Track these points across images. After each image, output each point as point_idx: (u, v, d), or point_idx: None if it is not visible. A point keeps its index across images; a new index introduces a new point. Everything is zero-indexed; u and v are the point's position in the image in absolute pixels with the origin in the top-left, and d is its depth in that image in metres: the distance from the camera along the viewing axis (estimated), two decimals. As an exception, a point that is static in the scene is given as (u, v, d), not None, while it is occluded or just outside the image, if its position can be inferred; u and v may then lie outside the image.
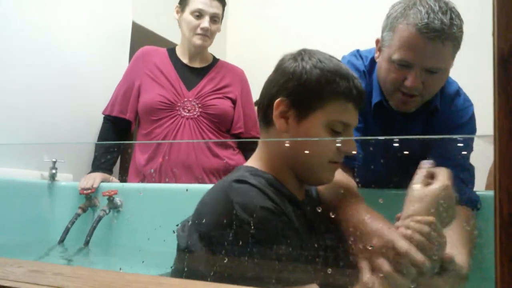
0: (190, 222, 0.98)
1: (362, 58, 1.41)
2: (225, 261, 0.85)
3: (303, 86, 0.98)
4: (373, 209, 1.03)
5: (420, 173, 0.96)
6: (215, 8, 2.11)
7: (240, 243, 0.85)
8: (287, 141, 1.02)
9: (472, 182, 1.30)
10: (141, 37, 2.83)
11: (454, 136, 1.32)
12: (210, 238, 0.89)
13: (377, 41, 1.30)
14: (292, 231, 0.92)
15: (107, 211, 1.79)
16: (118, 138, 2.22)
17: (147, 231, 1.45)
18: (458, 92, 1.37)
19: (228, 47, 3.91)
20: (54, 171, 1.99)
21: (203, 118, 2.10)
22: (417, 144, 1.40)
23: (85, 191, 1.86)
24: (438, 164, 1.33)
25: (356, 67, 1.37)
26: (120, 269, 0.91)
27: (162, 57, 2.20)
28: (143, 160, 2.06)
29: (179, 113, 2.08)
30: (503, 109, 0.41)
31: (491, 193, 0.44)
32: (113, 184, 1.97)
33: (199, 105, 2.11)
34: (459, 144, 1.29)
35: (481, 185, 1.35)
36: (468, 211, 1.22)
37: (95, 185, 1.88)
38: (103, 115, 2.22)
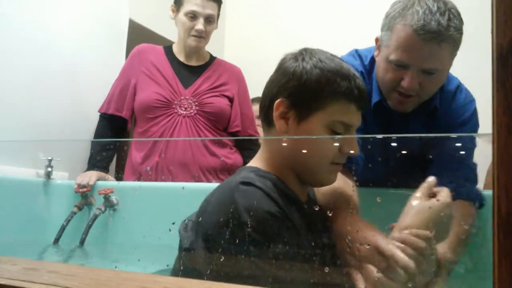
0: (189, 221, 0.98)
1: (361, 58, 1.40)
2: (226, 261, 0.85)
3: (303, 87, 0.97)
4: (369, 212, 1.03)
5: (423, 187, 0.95)
6: (210, 9, 2.10)
7: (243, 245, 0.85)
8: (288, 143, 1.01)
9: (474, 179, 1.29)
10: (138, 34, 2.82)
11: (452, 135, 1.32)
12: (214, 239, 0.88)
13: (377, 40, 1.30)
14: (294, 235, 0.92)
15: (103, 209, 1.78)
16: (114, 136, 2.21)
17: (143, 230, 1.44)
18: (459, 88, 1.37)
19: (226, 46, 3.91)
20: (49, 169, 1.98)
21: (200, 116, 2.09)
22: (418, 143, 1.40)
23: (81, 189, 1.85)
24: (441, 162, 1.33)
25: (354, 68, 1.36)
26: (116, 267, 0.91)
27: (159, 55, 2.19)
28: (139, 158, 2.05)
29: (175, 111, 2.08)
30: (501, 106, 0.41)
31: (489, 192, 0.43)
32: (109, 182, 1.96)
33: (196, 103, 2.10)
34: (460, 142, 1.29)
35: (479, 184, 1.35)
36: (466, 206, 1.22)
37: (91, 183, 1.88)
38: (99, 113, 2.21)
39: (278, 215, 0.89)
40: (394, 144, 1.28)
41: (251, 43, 3.78)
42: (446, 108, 1.35)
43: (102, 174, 2.00)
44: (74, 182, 1.90)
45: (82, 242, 1.72)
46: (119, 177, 2.17)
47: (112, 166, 2.23)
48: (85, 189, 1.85)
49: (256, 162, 1.05)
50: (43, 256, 1.65)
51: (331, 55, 1.02)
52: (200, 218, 0.93)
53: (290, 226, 0.91)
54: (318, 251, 0.95)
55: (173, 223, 0.99)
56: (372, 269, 0.87)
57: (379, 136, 1.32)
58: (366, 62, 1.38)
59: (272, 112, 0.99)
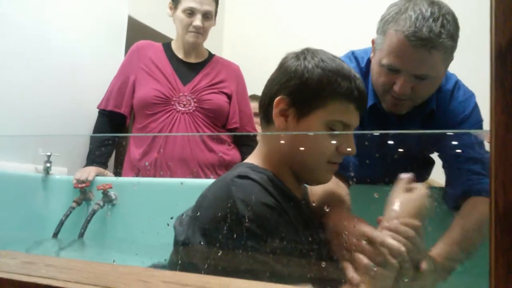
0: (186, 216, 0.98)
1: (357, 60, 1.40)
2: (224, 256, 0.85)
3: (304, 85, 0.98)
4: (363, 210, 1.03)
5: (401, 181, 0.97)
6: (207, 6, 2.11)
7: (240, 238, 0.85)
8: (286, 140, 1.02)
9: (487, 172, 1.27)
10: (137, 31, 2.82)
11: (449, 132, 1.32)
12: (211, 233, 0.89)
13: (373, 42, 1.30)
14: (291, 228, 0.93)
15: (102, 204, 1.78)
16: (113, 132, 2.22)
17: (141, 225, 1.45)
18: (457, 85, 1.36)
19: (224, 43, 3.91)
20: (48, 164, 1.98)
21: (199, 113, 2.10)
22: (419, 143, 1.40)
23: (79, 185, 1.85)
24: (448, 160, 1.33)
25: None
26: (114, 261, 0.91)
27: (158, 52, 2.19)
28: (138, 155, 2.06)
29: (174, 107, 2.08)
30: (500, 104, 0.41)
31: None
32: (108, 178, 1.97)
33: (195, 99, 2.10)
34: (466, 137, 1.29)
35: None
36: (477, 202, 1.22)
37: (89, 178, 1.88)
38: (98, 110, 2.21)
39: (275, 207, 0.89)
40: (391, 142, 1.29)
41: (250, 40, 3.78)
42: (444, 108, 1.34)
43: (101, 169, 2.01)
44: (73, 177, 1.91)
45: (80, 236, 1.72)
46: (117, 173, 2.17)
47: (111, 162, 2.23)
48: (83, 185, 1.86)
49: (253, 158, 1.06)
50: (41, 250, 1.65)
51: (333, 55, 1.03)
52: (197, 213, 0.94)
53: (287, 219, 0.92)
54: (314, 247, 0.95)
55: (171, 218, 1.00)
56: (362, 258, 0.89)
57: (377, 132, 1.32)
58: (363, 64, 1.38)
59: (271, 109, 1.00)
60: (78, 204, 1.84)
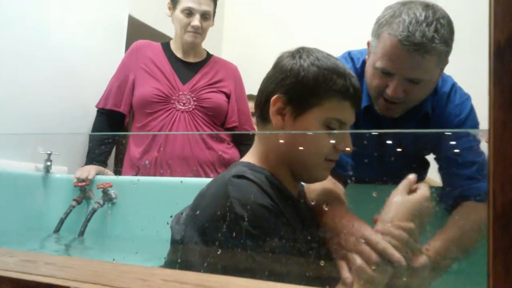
0: (184, 215, 0.99)
1: (353, 61, 1.40)
2: (220, 255, 0.85)
3: (300, 83, 0.98)
4: (352, 211, 1.03)
5: (403, 183, 0.97)
6: (206, 6, 2.12)
7: (236, 238, 0.85)
8: (283, 138, 1.02)
9: (483, 174, 1.27)
10: (137, 31, 2.82)
11: (446, 131, 1.32)
12: (207, 232, 0.89)
13: (368, 44, 1.30)
14: (287, 229, 0.92)
15: (102, 203, 1.79)
16: (112, 132, 2.23)
17: (141, 223, 1.44)
18: (454, 88, 1.36)
19: (224, 44, 3.91)
20: (49, 163, 1.99)
21: (198, 112, 2.11)
22: (414, 145, 1.40)
23: (80, 183, 1.85)
24: (443, 164, 1.33)
25: None
26: (114, 259, 0.91)
27: (157, 51, 2.21)
28: (138, 153, 2.07)
29: (174, 106, 2.09)
30: (498, 101, 0.41)
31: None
32: (108, 176, 1.97)
33: (194, 98, 2.12)
34: (460, 141, 1.29)
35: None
36: (470, 206, 1.22)
37: (90, 177, 1.88)
38: (97, 109, 2.22)
39: (271, 208, 0.89)
40: (386, 143, 1.29)
41: (249, 41, 3.78)
42: (440, 111, 1.34)
43: (101, 168, 2.01)
44: (74, 176, 1.91)
45: (80, 235, 1.72)
46: (117, 171, 2.17)
47: (111, 160, 2.23)
48: (84, 183, 1.86)
49: (249, 157, 1.06)
50: (41, 248, 1.65)
51: (327, 54, 1.03)
52: (194, 212, 0.94)
53: (284, 219, 0.92)
54: (311, 246, 0.95)
55: (171, 216, 1.00)
56: (356, 258, 0.89)
57: (371, 131, 1.32)
58: (358, 65, 1.38)
59: (268, 108, 1.00)
60: (78, 202, 1.84)
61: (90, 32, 2.41)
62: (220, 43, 3.88)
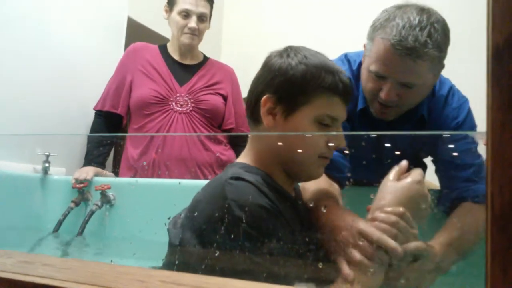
0: (180, 218, 0.98)
1: (349, 63, 1.40)
2: (219, 257, 0.85)
3: (289, 82, 0.98)
4: (355, 210, 1.04)
5: (395, 169, 0.98)
6: (202, 8, 2.13)
7: (235, 240, 0.85)
8: (276, 138, 1.02)
9: (480, 176, 1.27)
10: (136, 32, 2.82)
11: (445, 133, 1.32)
12: (206, 234, 0.89)
13: (364, 46, 1.30)
14: (286, 229, 0.92)
15: (100, 205, 1.78)
16: (110, 133, 2.23)
17: (139, 225, 1.44)
18: (451, 90, 1.36)
19: (223, 45, 3.91)
20: (47, 164, 1.98)
21: (196, 113, 2.13)
22: (410, 147, 1.40)
23: (78, 185, 1.85)
24: (441, 166, 1.33)
25: None
26: (111, 261, 0.91)
27: (154, 54, 2.22)
28: (135, 155, 2.07)
29: (171, 107, 2.10)
30: (496, 102, 0.41)
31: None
32: (107, 178, 1.97)
33: (192, 100, 2.13)
34: (458, 143, 1.29)
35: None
36: (468, 208, 1.22)
37: (88, 178, 1.88)
38: (95, 111, 2.22)
39: (269, 208, 0.89)
40: (382, 145, 1.29)
41: (248, 42, 3.78)
42: (438, 114, 1.34)
43: (99, 169, 2.01)
44: (72, 177, 1.90)
45: (78, 237, 1.72)
46: (115, 173, 2.17)
47: (109, 162, 2.23)
48: (82, 185, 1.86)
49: (244, 158, 1.06)
50: (39, 250, 1.65)
51: (315, 51, 1.04)
52: (192, 214, 0.93)
53: (282, 220, 0.92)
54: (309, 245, 0.95)
55: (169, 218, 1.00)
56: (354, 253, 0.89)
57: (372, 133, 1.32)
58: (355, 67, 1.38)
59: (258, 109, 1.00)
60: (76, 204, 1.84)
61: (89, 34, 2.41)
62: (219, 44, 3.88)
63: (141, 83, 2.13)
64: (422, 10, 1.16)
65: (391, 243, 0.87)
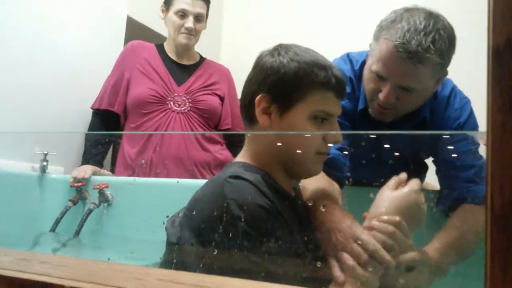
0: (178, 217, 0.98)
1: (351, 63, 1.40)
2: (217, 256, 0.85)
3: (282, 80, 0.98)
4: (347, 210, 1.04)
5: (393, 179, 0.98)
6: (199, 8, 2.14)
7: (233, 239, 0.85)
8: (273, 137, 1.02)
9: (481, 177, 1.27)
10: (135, 31, 2.82)
11: (446, 133, 1.32)
12: (204, 233, 0.89)
13: (370, 46, 1.30)
14: (285, 229, 0.92)
15: (98, 204, 1.78)
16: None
17: (137, 224, 1.44)
18: (453, 91, 1.36)
19: (223, 46, 3.91)
20: (45, 163, 1.98)
21: (193, 113, 2.14)
22: (412, 147, 1.40)
23: (76, 184, 1.85)
24: (442, 166, 1.33)
25: (343, 73, 1.35)
26: (109, 259, 0.90)
27: (151, 52, 2.22)
28: (132, 154, 2.07)
29: (169, 107, 2.11)
30: (496, 103, 0.41)
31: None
32: (105, 177, 1.96)
33: (190, 100, 2.14)
34: (459, 144, 1.29)
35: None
36: (468, 209, 1.22)
37: (86, 177, 1.88)
38: (92, 110, 2.22)
39: (268, 208, 0.89)
40: (383, 145, 1.29)
41: (248, 43, 3.77)
42: (440, 115, 1.34)
43: (97, 168, 2.01)
44: (70, 176, 1.90)
45: (76, 235, 1.72)
46: (113, 172, 2.17)
47: (108, 161, 2.23)
48: (80, 184, 1.85)
49: (243, 157, 1.06)
50: (36, 248, 1.65)
51: (306, 48, 1.04)
52: (190, 213, 0.93)
53: (281, 219, 0.92)
54: (308, 245, 0.95)
55: (167, 217, 1.00)
56: (347, 258, 0.90)
57: (372, 133, 1.32)
58: (357, 67, 1.38)
59: (253, 109, 1.01)
60: (74, 203, 1.84)
61: (88, 33, 2.40)
62: (219, 44, 3.88)
63: (139, 81, 2.13)
64: (430, 15, 1.15)
65: (386, 256, 0.88)
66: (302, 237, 0.96)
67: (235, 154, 2.14)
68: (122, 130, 2.25)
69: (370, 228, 0.91)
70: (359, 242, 0.90)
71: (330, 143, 1.02)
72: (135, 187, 1.76)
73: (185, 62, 2.25)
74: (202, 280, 0.57)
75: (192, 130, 2.11)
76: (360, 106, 1.34)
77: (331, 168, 1.12)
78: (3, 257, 0.69)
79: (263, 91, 1.00)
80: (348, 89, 1.28)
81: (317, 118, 0.99)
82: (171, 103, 2.11)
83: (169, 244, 0.97)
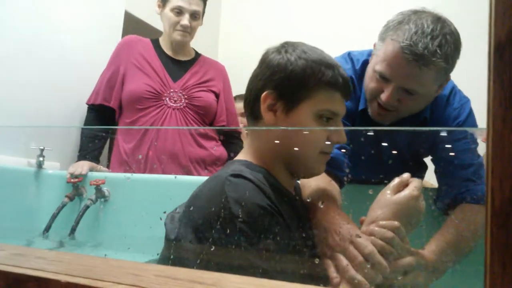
0: (178, 213, 0.98)
1: (352, 61, 1.39)
2: (215, 254, 0.84)
3: (289, 78, 0.98)
4: (347, 211, 1.03)
5: (395, 182, 0.98)
6: (195, 6, 2.14)
7: (232, 237, 0.85)
8: (277, 135, 1.01)
9: (479, 176, 1.27)
10: (133, 27, 2.81)
11: (444, 129, 1.32)
12: (203, 231, 0.88)
13: (374, 45, 1.29)
14: (284, 229, 0.92)
15: (94, 200, 1.77)
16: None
17: (134, 220, 1.44)
18: (453, 91, 1.36)
19: (220, 44, 3.90)
20: (41, 158, 1.97)
21: (189, 109, 2.14)
22: (412, 146, 1.40)
23: (72, 180, 1.84)
24: (440, 165, 1.33)
25: None
26: (105, 255, 0.90)
27: (147, 47, 2.22)
28: (128, 149, 2.06)
29: (165, 103, 2.11)
30: (497, 98, 0.41)
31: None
32: (102, 173, 1.96)
33: (185, 96, 2.14)
34: (458, 143, 1.28)
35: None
36: (469, 208, 1.22)
37: (83, 172, 1.87)
38: (87, 105, 2.21)
39: (268, 208, 0.89)
40: (383, 144, 1.29)
41: (246, 40, 3.77)
42: (439, 114, 1.34)
43: (94, 164, 2.01)
44: (67, 172, 1.89)
45: (72, 231, 1.71)
46: (108, 166, 2.17)
47: (104, 157, 2.22)
48: (77, 180, 1.85)
49: (245, 155, 1.05)
50: (32, 244, 1.64)
51: (312, 46, 1.04)
52: (190, 210, 0.93)
53: (280, 220, 0.91)
54: (307, 243, 0.95)
55: (165, 212, 0.99)
56: (342, 259, 0.90)
57: (372, 128, 1.32)
58: (358, 66, 1.38)
59: (258, 106, 1.00)
60: (71, 199, 1.83)
61: (86, 28, 2.40)
62: (217, 41, 3.87)
63: (134, 76, 2.13)
64: (437, 19, 1.15)
65: (382, 262, 0.87)
66: (301, 235, 0.95)
67: (229, 150, 2.18)
68: (118, 125, 2.24)
69: (370, 234, 0.91)
70: (355, 245, 0.90)
71: (335, 143, 1.01)
72: (132, 183, 1.75)
73: (181, 57, 2.25)
74: (199, 276, 0.56)
75: (187, 126, 2.12)
76: (361, 106, 1.33)
77: (331, 167, 1.12)
78: (-2, 252, 0.69)
79: (269, 88, 0.99)
80: None
81: (323, 118, 0.98)
82: (167, 99, 2.11)
83: (167, 240, 0.97)
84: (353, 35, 2.98)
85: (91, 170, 1.93)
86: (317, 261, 0.89)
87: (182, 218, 0.94)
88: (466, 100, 1.36)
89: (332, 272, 0.90)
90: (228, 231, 0.85)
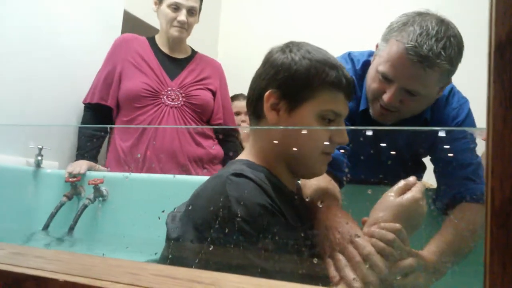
0: (179, 212, 0.97)
1: (353, 62, 1.40)
2: (216, 253, 0.84)
3: (293, 77, 0.98)
4: (346, 211, 1.03)
5: (399, 184, 0.98)
6: (192, 2, 2.14)
7: (233, 237, 0.85)
8: (280, 134, 1.01)
9: (478, 175, 1.27)
10: (132, 26, 2.80)
11: (444, 128, 1.32)
12: (204, 230, 0.88)
13: (377, 46, 1.30)
14: (285, 228, 0.92)
15: (92, 199, 1.77)
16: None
17: (132, 219, 1.43)
18: (452, 91, 1.36)
19: (219, 42, 3.90)
20: (40, 157, 1.97)
21: (187, 108, 2.14)
22: (411, 146, 1.40)
23: (71, 179, 1.84)
24: (439, 165, 1.33)
25: None
26: (103, 254, 0.90)
27: (143, 45, 2.22)
28: (125, 148, 2.06)
29: (163, 101, 2.11)
30: (498, 97, 0.41)
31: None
32: (100, 172, 1.95)
33: (183, 94, 2.14)
34: (457, 142, 1.29)
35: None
36: (466, 207, 1.23)
37: (82, 172, 1.87)
38: (84, 104, 2.20)
39: (269, 207, 0.89)
40: (383, 144, 1.29)
41: (246, 39, 3.77)
42: (439, 114, 1.35)
43: (92, 163, 2.00)
44: (65, 171, 1.89)
45: (70, 231, 1.71)
46: (104, 165, 2.16)
47: (102, 155, 2.21)
48: (75, 179, 1.84)
49: (247, 155, 1.05)
50: (30, 243, 1.64)
51: (317, 47, 1.04)
52: (191, 209, 0.93)
53: (281, 219, 0.91)
54: (308, 243, 0.95)
55: (163, 211, 0.99)
56: (341, 258, 0.90)
57: (372, 128, 1.32)
58: (358, 67, 1.38)
59: (261, 104, 1.00)
60: (69, 198, 1.83)
61: (84, 27, 2.39)
62: (216, 40, 3.87)
63: (131, 75, 2.13)
64: (441, 21, 1.16)
65: (379, 264, 0.87)
66: (304, 235, 0.95)
67: (226, 148, 2.19)
68: (115, 124, 2.24)
69: (370, 235, 0.91)
70: (355, 245, 0.90)
71: (337, 144, 1.01)
72: (130, 183, 1.75)
73: (177, 55, 2.25)
74: (198, 275, 0.56)
75: (185, 124, 2.12)
76: (362, 106, 1.33)
77: (331, 167, 1.12)
78: (-4, 251, 0.69)
79: (272, 87, 0.99)
80: None
81: (325, 118, 0.99)
82: (165, 97, 2.11)
83: (168, 239, 0.97)
84: (353, 35, 2.99)
85: (89, 169, 1.93)
86: (317, 260, 0.89)
87: (183, 218, 0.94)
88: (465, 101, 1.37)
89: (332, 271, 0.90)
90: (230, 230, 0.85)
